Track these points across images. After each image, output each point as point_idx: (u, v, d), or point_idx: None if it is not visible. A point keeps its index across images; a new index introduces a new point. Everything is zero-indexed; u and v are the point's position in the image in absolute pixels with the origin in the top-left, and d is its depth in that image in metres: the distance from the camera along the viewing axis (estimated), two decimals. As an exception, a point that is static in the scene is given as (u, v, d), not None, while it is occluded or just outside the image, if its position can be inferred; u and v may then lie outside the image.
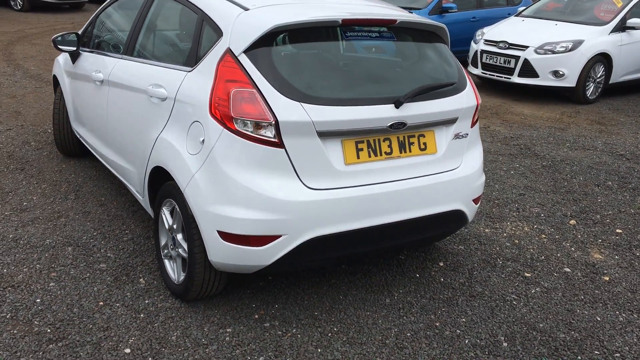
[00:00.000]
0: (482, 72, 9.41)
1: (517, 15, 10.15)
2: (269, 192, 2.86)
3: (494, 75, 9.25)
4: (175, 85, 3.24)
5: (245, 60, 2.92)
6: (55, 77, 5.35)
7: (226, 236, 2.91)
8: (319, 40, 3.17)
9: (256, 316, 3.28)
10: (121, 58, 3.99)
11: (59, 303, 3.28)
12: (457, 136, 3.35)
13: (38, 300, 3.29)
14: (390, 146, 3.11)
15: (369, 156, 3.05)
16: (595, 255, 4.25)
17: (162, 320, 3.19)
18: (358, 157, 3.02)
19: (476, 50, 9.48)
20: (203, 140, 2.96)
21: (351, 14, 3.15)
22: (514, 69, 8.92)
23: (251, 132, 2.83)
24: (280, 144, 2.85)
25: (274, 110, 2.82)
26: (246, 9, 3.11)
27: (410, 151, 3.18)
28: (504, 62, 9.04)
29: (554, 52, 8.70)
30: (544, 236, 4.50)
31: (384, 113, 3.01)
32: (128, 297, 3.37)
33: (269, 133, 2.84)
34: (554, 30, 9.06)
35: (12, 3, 15.15)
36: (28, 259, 3.70)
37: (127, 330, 3.09)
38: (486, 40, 9.37)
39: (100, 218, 4.32)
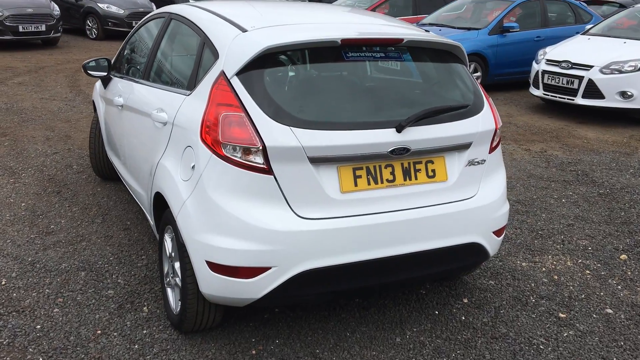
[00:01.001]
0: (544, 93, 8.94)
1: (583, 34, 9.62)
2: (257, 221, 2.71)
3: (556, 97, 8.77)
4: (174, 110, 3.16)
5: (237, 83, 2.80)
6: (93, 102, 5.46)
7: (214, 267, 2.77)
8: (316, 61, 3.01)
9: (253, 352, 3.10)
10: (137, 82, 3.99)
11: (57, 330, 3.23)
12: (471, 163, 3.08)
13: (38, 326, 3.26)
14: (392, 173, 2.89)
15: (369, 184, 2.84)
16: (645, 295, 3.81)
17: (156, 352, 3.07)
18: (356, 185, 2.82)
19: (537, 71, 9.03)
20: (193, 166, 2.85)
21: (352, 34, 2.98)
22: (578, 89, 8.42)
23: (240, 157, 2.70)
24: (269, 171, 2.70)
25: (262, 135, 2.68)
26: (244, 31, 3.00)
27: (416, 179, 2.94)
28: (567, 82, 8.55)
29: (621, 72, 8.14)
30: (588, 272, 4.09)
31: (384, 138, 2.80)
32: (127, 327, 3.28)
33: (257, 159, 2.69)
34: (621, 49, 8.50)
35: (88, 32, 15.92)
36: (39, 283, 3.69)
37: (118, 361, 3.00)
38: (548, 60, 8.91)
39: (121, 243, 4.30)
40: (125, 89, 4.17)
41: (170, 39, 3.82)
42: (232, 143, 2.70)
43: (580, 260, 4.26)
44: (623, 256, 4.34)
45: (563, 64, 8.64)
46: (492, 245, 3.24)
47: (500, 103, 9.77)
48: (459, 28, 10.57)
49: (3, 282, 3.69)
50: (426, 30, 3.42)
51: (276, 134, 2.68)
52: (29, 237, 4.33)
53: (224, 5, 3.75)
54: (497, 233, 3.26)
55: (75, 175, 5.64)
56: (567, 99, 8.59)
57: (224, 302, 2.92)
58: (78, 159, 6.10)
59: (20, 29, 13.06)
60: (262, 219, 2.71)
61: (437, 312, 3.52)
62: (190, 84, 3.17)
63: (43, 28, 13.43)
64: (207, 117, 2.81)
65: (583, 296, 3.78)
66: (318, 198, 2.76)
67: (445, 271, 3.28)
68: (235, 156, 2.70)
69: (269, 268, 2.73)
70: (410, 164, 2.93)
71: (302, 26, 3.13)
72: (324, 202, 2.77)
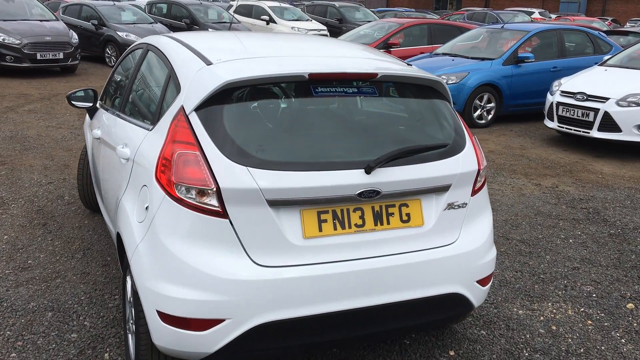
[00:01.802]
0: (559, 126, 8.65)
1: (600, 65, 9.33)
2: (210, 269, 2.50)
3: (571, 130, 8.47)
4: (136, 145, 3.00)
5: (195, 119, 2.63)
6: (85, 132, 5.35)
7: (165, 317, 2.56)
8: (283, 97, 2.82)
9: (213, 407, 2.87)
10: (113, 115, 3.85)
11: (10, 377, 3.05)
12: (451, 206, 2.85)
13: (-9, 372, 3.08)
14: (362, 217, 2.67)
15: (335, 229, 2.62)
16: (651, 350, 3.49)
17: (109, 405, 2.86)
18: (320, 230, 2.60)
19: (552, 102, 8.76)
20: (147, 206, 2.67)
21: (321, 68, 2.79)
22: (593, 122, 8.11)
23: (193, 199, 2.51)
24: (223, 214, 2.50)
25: (216, 176, 2.48)
26: (209, 64, 2.84)
27: (388, 223, 2.71)
28: (582, 115, 8.25)
29: (639, 105, 7.82)
30: (590, 322, 3.79)
31: (351, 180, 2.59)
32: (84, 375, 3.08)
33: (212, 201, 2.49)
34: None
35: (107, 60, 16.08)
36: (2, 324, 3.52)
37: (66, 415, 2.79)
38: (563, 92, 8.63)
39: (97, 280, 4.12)
40: (103, 121, 4.04)
41: (144, 71, 3.68)
42: (186, 184, 2.51)
43: (582, 309, 3.95)
44: (630, 305, 4.02)
45: (578, 96, 8.36)
46: (476, 295, 2.98)
47: (514, 135, 9.50)
48: (472, 58, 10.37)
49: (-35, 322, 3.53)
50: (408, 64, 3.22)
51: (232, 175, 2.48)
52: (3, 273, 4.18)
53: (202, 37, 3.61)
54: (482, 282, 3.00)
55: (65, 207, 5.51)
56: (583, 132, 8.29)
57: (177, 356, 2.70)
58: (71, 190, 5.98)
59: (38, 57, 13.18)
60: (215, 266, 2.50)
61: (419, 366, 3.26)
62: (154, 119, 3.01)
63: (61, 56, 13.56)
64: (163, 154, 2.63)
65: (582, 350, 3.47)
66: (278, 244, 2.55)
67: (425, 323, 3.02)
68: (189, 198, 2.51)
69: (223, 320, 2.52)
70: (382, 207, 2.71)
71: (272, 59, 2.96)
72: (284, 248, 2.55)
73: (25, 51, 13.00)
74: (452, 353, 3.39)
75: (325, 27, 20.65)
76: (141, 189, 2.78)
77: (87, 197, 5.21)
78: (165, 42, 3.46)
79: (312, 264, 2.58)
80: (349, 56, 3.19)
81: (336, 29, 21.26)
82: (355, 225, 2.66)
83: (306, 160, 2.59)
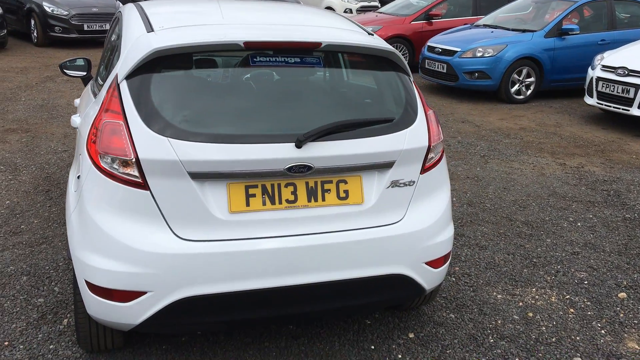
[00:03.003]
0: (598, 102, 8.17)
1: (650, 37, 8.72)
2: (131, 241, 2.47)
3: (610, 107, 7.98)
4: (82, 114, 2.99)
5: (124, 87, 2.58)
6: (89, 102, 5.43)
7: (92, 287, 2.56)
8: (217, 66, 2.73)
9: (151, 378, 2.88)
10: (90, 84, 3.86)
11: (-32, 338, 3.14)
12: (395, 184, 2.70)
13: (-48, 332, 3.18)
14: (294, 193, 2.57)
15: (264, 204, 2.54)
16: (630, 344, 3.26)
17: (52, 370, 2.91)
18: (248, 205, 2.52)
19: (592, 77, 8.26)
20: (79, 176, 2.66)
21: (259, 36, 2.67)
22: (634, 99, 7.61)
23: (116, 170, 2.47)
24: (144, 185, 2.45)
25: (136, 146, 2.43)
26: (150, 31, 2.77)
27: (323, 200, 2.60)
28: (622, 91, 7.76)
29: (683, 80, 7.28)
30: (571, 311, 3.57)
31: (280, 154, 2.49)
32: (38, 339, 3.14)
33: (133, 172, 2.45)
34: (687, 55, 7.61)
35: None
36: (-23, 286, 3.64)
37: (8, 377, 2.85)
38: (604, 66, 8.12)
39: (80, 247, 4.19)
40: (84, 91, 4.07)
41: (111, 40, 3.66)
42: (109, 153, 2.47)
43: (568, 296, 3.72)
44: (622, 294, 3.76)
45: (619, 71, 7.85)
46: (426, 277, 2.83)
47: (553, 112, 9.05)
48: (513, 30, 9.89)
49: (-58, 283, 3.67)
50: (369, 34, 3.05)
51: (151, 146, 2.43)
52: (-6, 237, 4.32)
53: (169, 5, 3.54)
54: (433, 264, 2.85)
55: (73, 175, 5.63)
56: (622, 109, 7.79)
57: (107, 325, 2.70)
58: (83, 158, 6.11)
59: (85, 28, 13.51)
60: (136, 238, 2.47)
61: (372, 347, 3.15)
62: (100, 87, 2.99)
63: (107, 27, 13.82)
64: (94, 124, 2.60)
65: (553, 340, 3.27)
66: (201, 218, 2.48)
67: (369, 304, 2.90)
68: (113, 168, 2.48)
69: (144, 293, 2.49)
70: (317, 183, 2.60)
71: (216, 27, 2.86)
72: (208, 222, 2.49)
73: (72, 22, 13.34)
74: (411, 335, 3.26)
75: (376, -1, 20.20)
76: (78, 158, 2.77)
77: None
78: (129, 10, 3.41)
79: (238, 239, 2.51)
80: (300, 24, 3.05)
81: (389, 0, 20.74)
82: (287, 201, 2.56)
83: (233, 133, 2.51)
